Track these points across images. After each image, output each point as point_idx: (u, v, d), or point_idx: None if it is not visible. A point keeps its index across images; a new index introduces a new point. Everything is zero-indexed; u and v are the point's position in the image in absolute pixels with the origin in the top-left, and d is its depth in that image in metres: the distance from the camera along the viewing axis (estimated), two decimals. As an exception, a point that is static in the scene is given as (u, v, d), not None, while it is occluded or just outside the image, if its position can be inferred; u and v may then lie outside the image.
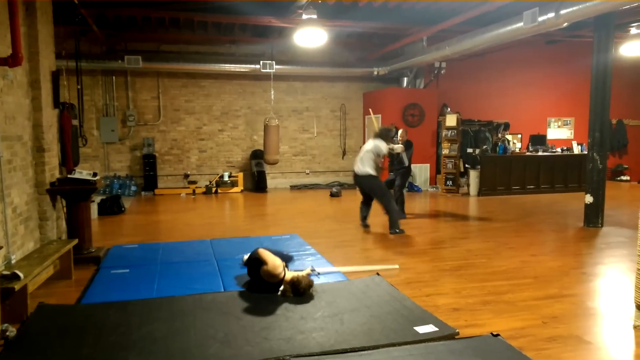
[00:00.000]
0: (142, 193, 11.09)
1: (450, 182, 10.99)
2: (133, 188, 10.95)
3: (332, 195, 10.63)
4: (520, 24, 7.23)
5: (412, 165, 8.25)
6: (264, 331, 3.17)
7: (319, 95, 12.53)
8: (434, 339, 3.03)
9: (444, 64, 11.90)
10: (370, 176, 6.49)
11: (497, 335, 3.06)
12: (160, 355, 2.87)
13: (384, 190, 6.69)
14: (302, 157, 12.65)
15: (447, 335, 3.09)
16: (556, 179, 11.17)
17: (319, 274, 4.44)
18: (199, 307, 3.63)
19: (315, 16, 7.61)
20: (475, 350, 2.87)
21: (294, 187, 12.35)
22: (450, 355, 2.82)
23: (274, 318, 3.41)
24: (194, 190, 11.16)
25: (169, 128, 11.57)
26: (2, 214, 3.93)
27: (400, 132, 7.92)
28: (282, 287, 3.88)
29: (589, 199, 7.06)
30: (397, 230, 6.45)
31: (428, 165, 11.82)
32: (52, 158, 5.16)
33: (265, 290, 3.92)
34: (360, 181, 6.68)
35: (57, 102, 5.37)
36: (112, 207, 8.38)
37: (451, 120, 10.95)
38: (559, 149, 11.90)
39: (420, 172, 11.63)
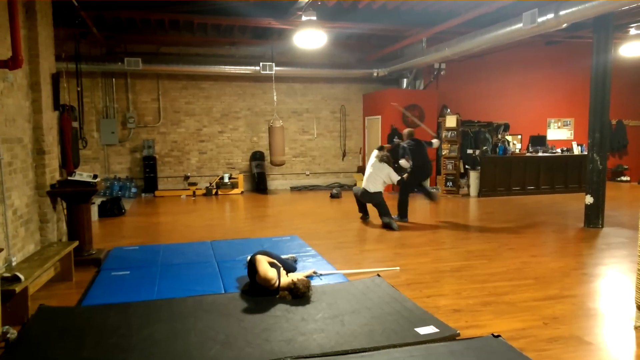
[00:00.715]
0: (143, 195, 11.09)
1: (451, 183, 10.99)
2: (133, 190, 10.95)
3: (332, 196, 10.63)
4: (520, 25, 7.24)
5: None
6: (264, 333, 3.17)
7: (319, 97, 12.54)
8: (435, 340, 3.03)
9: (443, 65, 11.94)
10: (380, 193, 7.12)
11: (498, 336, 3.06)
12: (160, 357, 2.87)
13: (387, 208, 7.11)
14: (302, 159, 12.65)
15: (448, 337, 3.09)
16: (556, 180, 11.16)
17: (320, 275, 4.45)
18: (199, 308, 3.63)
19: (314, 18, 7.61)
20: (476, 351, 2.87)
21: (294, 189, 12.35)
22: (451, 356, 2.82)
23: (275, 320, 3.40)
24: (194, 192, 11.16)
25: (169, 130, 11.58)
26: (2, 216, 3.93)
27: (405, 132, 8.03)
28: (278, 295, 3.84)
29: (589, 199, 7.07)
30: (395, 218, 7.18)
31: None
32: (53, 160, 5.16)
33: (263, 294, 3.89)
34: (371, 197, 7.17)
35: (57, 105, 5.38)
36: (112, 209, 8.38)
37: (451, 121, 10.95)
38: (559, 150, 11.89)
39: (420, 172, 11.61)
